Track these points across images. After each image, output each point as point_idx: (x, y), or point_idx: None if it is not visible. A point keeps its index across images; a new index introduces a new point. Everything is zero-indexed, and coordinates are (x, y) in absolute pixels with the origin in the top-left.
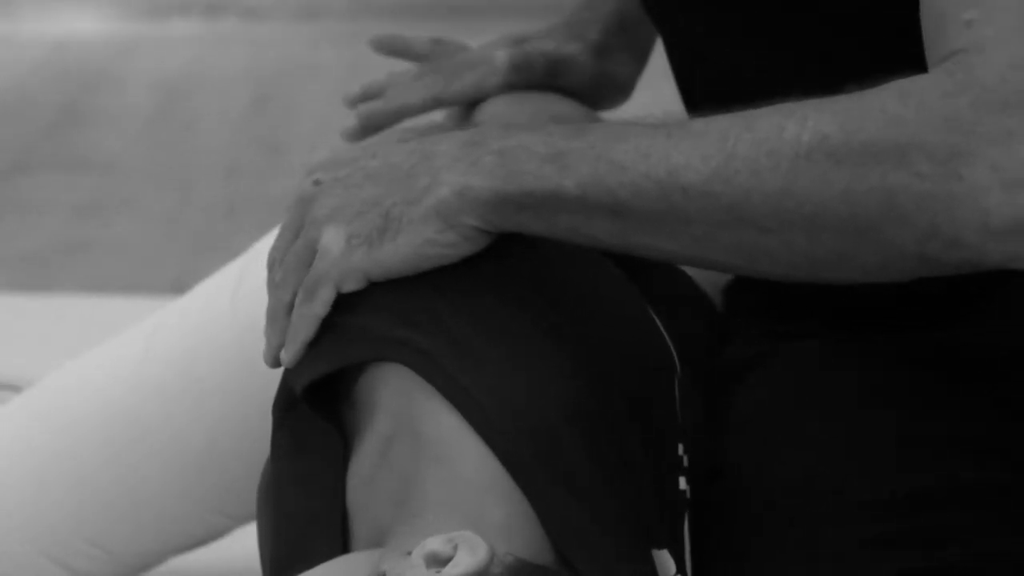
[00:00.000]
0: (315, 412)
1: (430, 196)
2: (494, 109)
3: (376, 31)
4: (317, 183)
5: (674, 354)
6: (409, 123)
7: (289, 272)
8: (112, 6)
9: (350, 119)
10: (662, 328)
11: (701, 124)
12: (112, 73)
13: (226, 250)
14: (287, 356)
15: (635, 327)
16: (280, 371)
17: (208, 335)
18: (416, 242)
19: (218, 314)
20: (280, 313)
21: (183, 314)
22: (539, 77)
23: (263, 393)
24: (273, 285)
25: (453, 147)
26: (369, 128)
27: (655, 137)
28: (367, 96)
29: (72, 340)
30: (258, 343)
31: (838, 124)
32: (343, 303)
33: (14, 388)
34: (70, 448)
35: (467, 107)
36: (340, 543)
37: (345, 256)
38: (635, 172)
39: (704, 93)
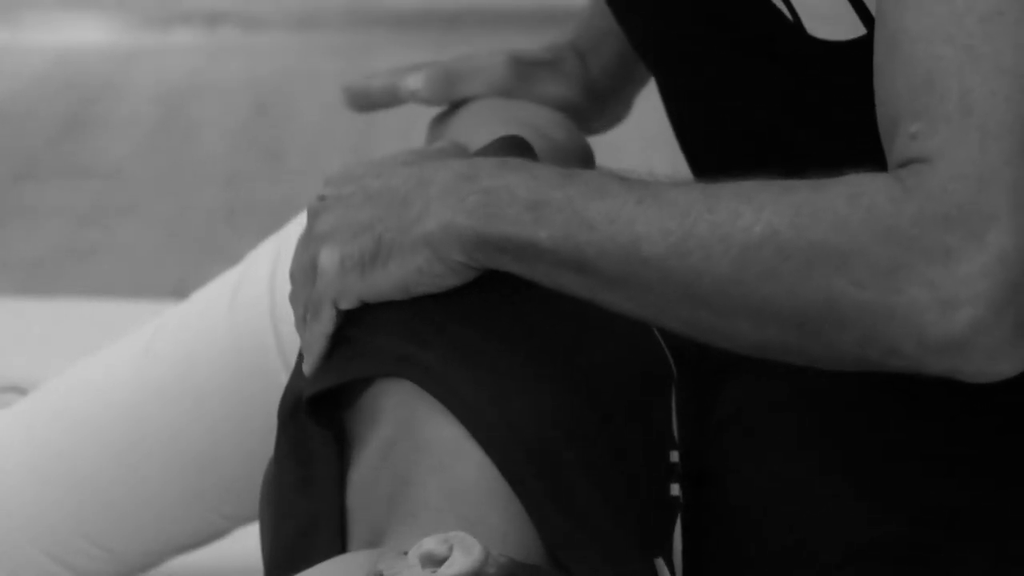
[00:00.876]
0: (316, 419)
1: (419, 226)
2: (468, 116)
3: (372, 41)
4: (323, 199)
5: (670, 361)
6: (419, 145)
7: (297, 287)
8: (114, 17)
9: (347, 127)
10: (658, 335)
11: (673, 193)
12: (115, 82)
13: (226, 255)
14: (306, 368)
15: (631, 336)
16: (279, 373)
17: (207, 339)
18: (405, 270)
19: (217, 318)
20: (300, 325)
21: (183, 319)
22: (536, 89)
23: (261, 395)
24: (289, 297)
25: (448, 178)
26: (358, 100)
27: (627, 201)
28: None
29: (76, 343)
30: (255, 347)
31: (789, 219)
32: (354, 317)
33: (20, 390)
34: (72, 448)
35: (448, 109)
36: (339, 544)
37: (339, 277)
38: (602, 234)
39: (694, 134)
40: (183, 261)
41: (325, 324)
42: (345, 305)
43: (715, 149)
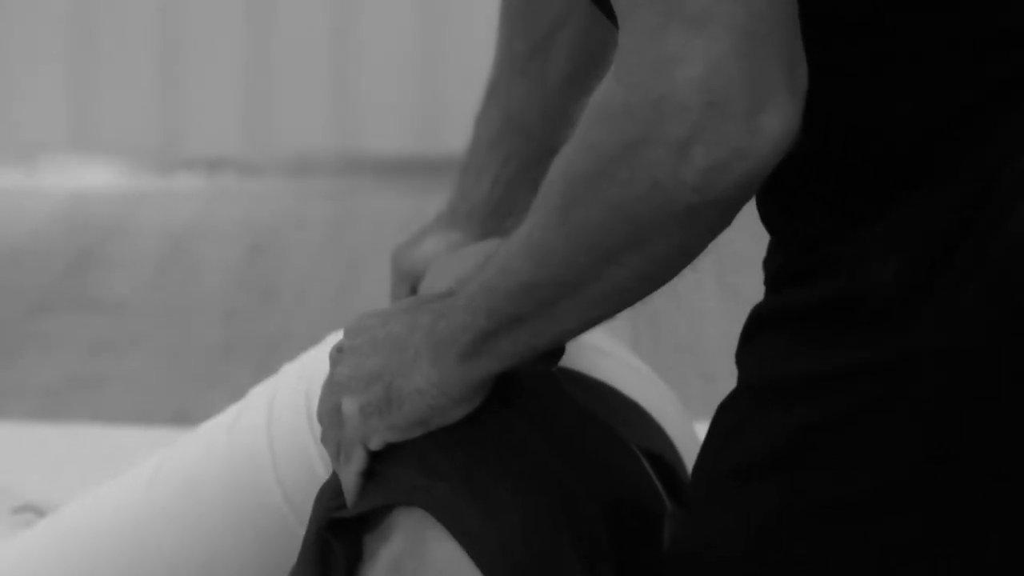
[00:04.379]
0: (336, 537)
1: (416, 372)
2: (440, 268)
3: (359, 186)
4: (340, 349)
5: (663, 494)
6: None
7: (327, 429)
8: (123, 162)
9: (336, 267)
10: (650, 470)
11: (517, 231)
12: (122, 223)
13: (224, 386)
14: (348, 503)
15: (624, 469)
16: (273, 492)
17: (207, 465)
18: (418, 410)
19: (217, 447)
20: (335, 464)
21: (186, 447)
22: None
23: (257, 511)
24: (321, 438)
25: (427, 320)
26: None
27: (502, 254)
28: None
29: (86, 465)
30: (251, 472)
31: (562, 170)
32: (378, 452)
33: (37, 510)
34: (83, 564)
35: (410, 240)
36: None
37: (363, 423)
38: (503, 290)
39: None
40: (183, 391)
41: (357, 464)
42: (374, 446)
43: None
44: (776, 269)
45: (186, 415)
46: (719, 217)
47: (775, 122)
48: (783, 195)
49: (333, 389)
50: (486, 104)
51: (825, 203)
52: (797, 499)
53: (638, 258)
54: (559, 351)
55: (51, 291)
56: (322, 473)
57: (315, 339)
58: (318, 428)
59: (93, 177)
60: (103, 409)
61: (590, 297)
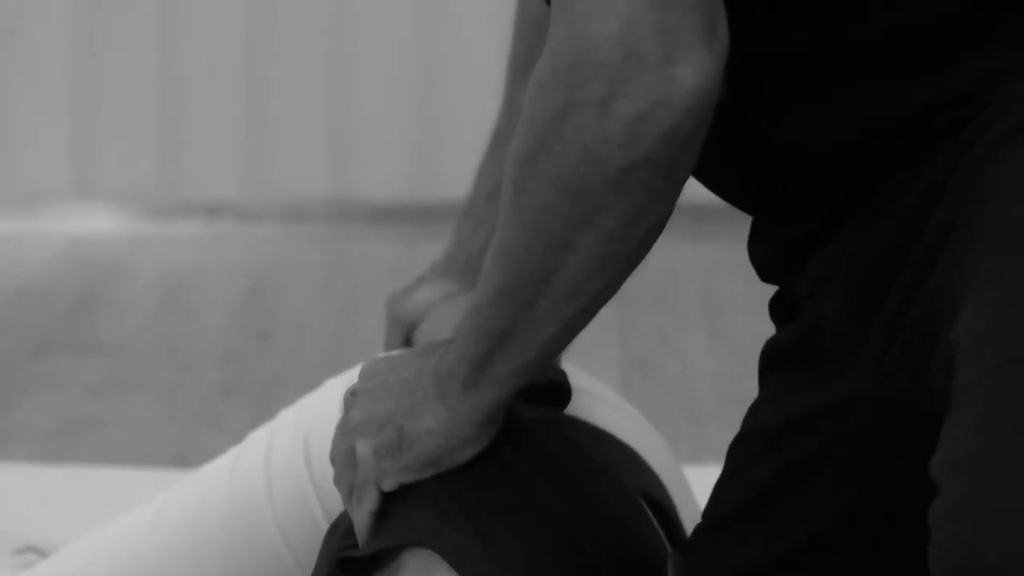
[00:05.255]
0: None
1: (425, 412)
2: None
3: (353, 232)
4: (354, 393)
5: (665, 542)
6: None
7: (340, 471)
8: (124, 207)
9: (331, 310)
10: (654, 519)
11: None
12: (124, 266)
13: (222, 427)
14: (360, 543)
15: (626, 516)
16: (272, 534)
17: (208, 507)
18: (429, 451)
19: (217, 490)
20: (347, 505)
21: (187, 490)
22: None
23: (255, 555)
24: (334, 480)
25: (432, 362)
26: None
27: (480, 282)
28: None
29: (88, 506)
30: (250, 514)
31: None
32: (391, 492)
33: (38, 551)
34: None
35: (405, 289)
36: None
37: (377, 466)
38: (483, 311)
39: None
40: (183, 432)
41: (370, 504)
42: (387, 487)
43: None
44: (771, 304)
45: (185, 456)
46: (650, 178)
47: (691, 73)
48: (761, 232)
49: (347, 432)
50: (488, 154)
51: (791, 234)
52: (770, 546)
53: (587, 238)
54: (565, 398)
55: (53, 333)
56: (319, 515)
57: (311, 380)
58: (316, 471)
59: (94, 222)
60: (104, 450)
61: (558, 292)
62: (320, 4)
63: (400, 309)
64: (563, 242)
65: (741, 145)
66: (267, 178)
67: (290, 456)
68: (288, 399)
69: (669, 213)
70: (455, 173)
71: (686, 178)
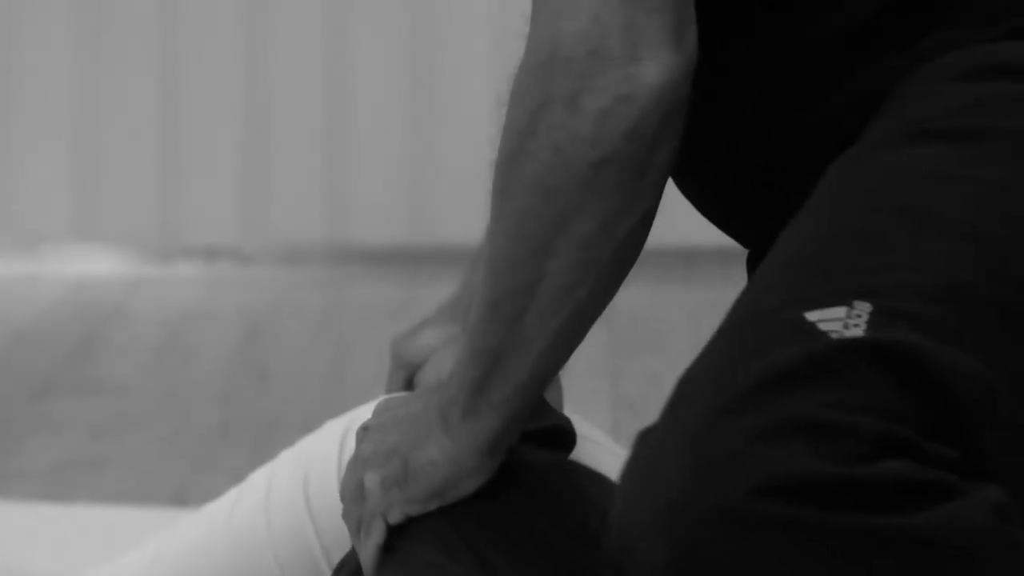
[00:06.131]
0: None
1: (430, 443)
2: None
3: (349, 275)
4: (367, 428)
5: None
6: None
7: (348, 505)
8: (123, 250)
9: (328, 352)
10: None
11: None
12: (124, 309)
13: (221, 467)
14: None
15: None
16: (272, 570)
17: (208, 546)
18: (434, 482)
19: (217, 529)
20: (355, 539)
21: (187, 529)
22: None
23: None
24: (343, 514)
25: (436, 395)
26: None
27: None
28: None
29: (89, 544)
30: (250, 553)
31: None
32: (397, 527)
33: None
34: None
35: (408, 332)
36: None
37: (384, 497)
38: (476, 317)
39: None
40: (182, 472)
41: (377, 537)
42: (393, 520)
43: None
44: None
45: (184, 495)
46: (619, 175)
47: (655, 70)
48: (753, 261)
49: (357, 465)
50: None
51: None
52: None
53: (566, 244)
54: (570, 443)
55: (54, 374)
56: (319, 554)
57: (308, 421)
58: (315, 510)
59: (95, 264)
60: (104, 489)
61: (543, 302)
62: (318, 51)
63: (404, 351)
64: (543, 247)
65: (713, 164)
66: (265, 222)
67: (290, 496)
68: (285, 439)
69: (647, 218)
70: (450, 218)
71: (661, 180)
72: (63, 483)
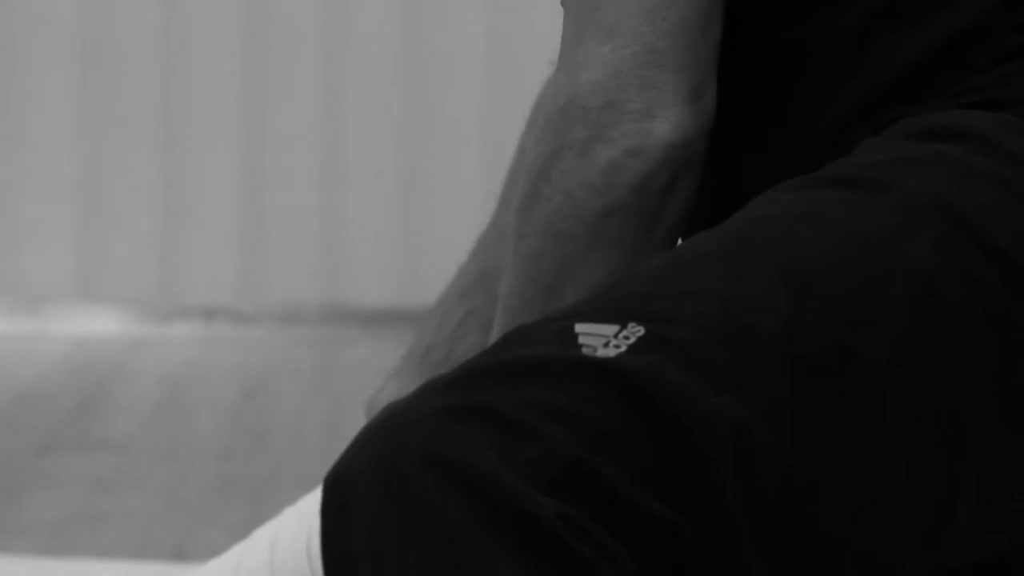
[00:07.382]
0: None
1: None
2: None
3: (345, 335)
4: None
5: None
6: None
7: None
8: (124, 311)
9: (323, 410)
10: None
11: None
12: (124, 367)
13: (219, 523)
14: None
15: None
16: None
17: None
18: None
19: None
20: None
21: None
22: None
23: None
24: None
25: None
26: None
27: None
28: None
29: None
30: None
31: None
32: None
33: None
34: None
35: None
36: None
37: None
38: (507, 301)
39: None
40: (181, 527)
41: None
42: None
43: None
44: None
45: (184, 550)
46: (625, 226)
47: (668, 128)
48: None
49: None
50: (470, 256)
51: None
52: None
53: (573, 288)
54: None
55: (57, 432)
56: None
57: (304, 478)
58: (317, 568)
59: (97, 324)
60: (105, 545)
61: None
62: (313, 114)
63: (373, 410)
64: (552, 290)
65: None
66: (262, 283)
67: (293, 552)
68: (282, 496)
69: None
70: (443, 281)
71: (671, 236)
72: (65, 538)
